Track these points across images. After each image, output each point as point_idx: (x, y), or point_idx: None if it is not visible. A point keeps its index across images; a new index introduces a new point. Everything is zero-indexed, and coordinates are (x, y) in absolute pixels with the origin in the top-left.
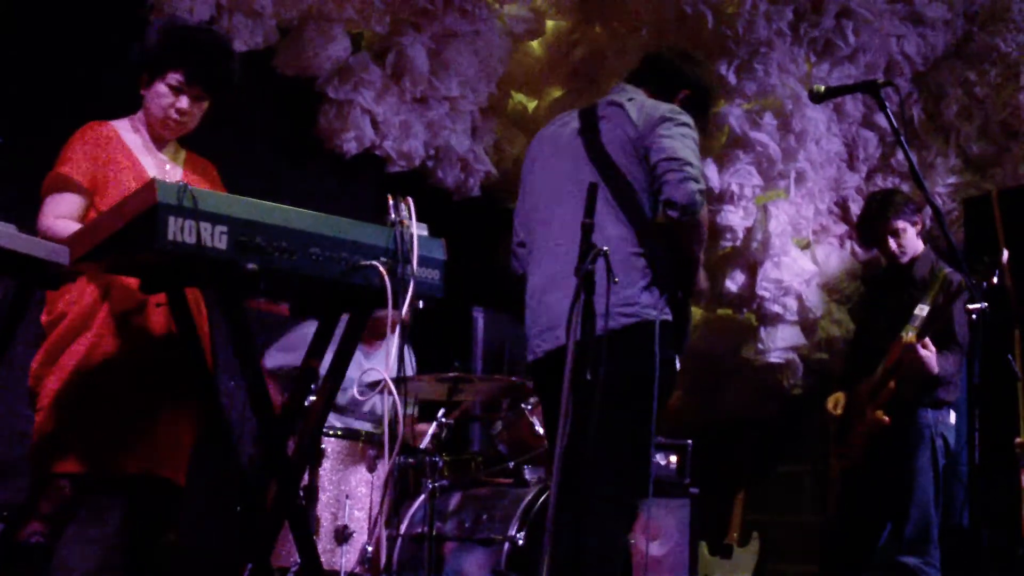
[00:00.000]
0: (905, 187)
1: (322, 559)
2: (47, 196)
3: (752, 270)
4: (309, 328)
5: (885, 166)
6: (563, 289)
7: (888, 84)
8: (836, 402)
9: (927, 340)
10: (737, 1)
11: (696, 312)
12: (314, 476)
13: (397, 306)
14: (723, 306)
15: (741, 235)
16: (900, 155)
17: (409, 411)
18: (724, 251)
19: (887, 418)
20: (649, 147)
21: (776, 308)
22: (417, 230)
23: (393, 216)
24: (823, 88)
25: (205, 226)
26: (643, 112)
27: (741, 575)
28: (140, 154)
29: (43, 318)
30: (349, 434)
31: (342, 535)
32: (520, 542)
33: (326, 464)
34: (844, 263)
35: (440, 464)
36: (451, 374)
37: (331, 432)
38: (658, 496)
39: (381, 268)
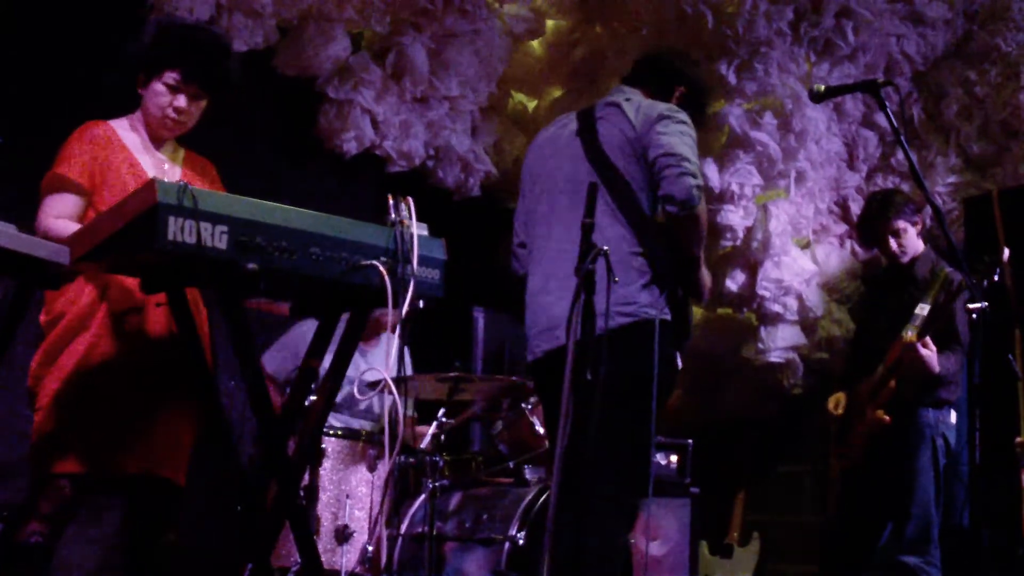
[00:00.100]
0: (905, 187)
1: (322, 559)
2: (45, 196)
3: (752, 270)
4: (301, 329)
5: (885, 166)
6: (562, 290)
7: (888, 84)
8: (837, 402)
9: (928, 339)
10: (737, 1)
11: (696, 312)
12: (314, 476)
13: (397, 306)
14: (723, 305)
15: (741, 235)
16: (900, 155)
17: (409, 412)
18: (724, 251)
19: (888, 418)
20: (647, 145)
21: (776, 308)
22: (417, 230)
23: (393, 216)
24: (823, 88)
25: (205, 226)
26: (640, 111)
27: (741, 575)
28: (138, 153)
29: (41, 318)
30: (349, 434)
31: (342, 535)
32: (520, 542)
33: (326, 464)
34: (844, 263)
35: (440, 464)
36: (451, 374)
37: (331, 432)
38: (658, 496)
39: (381, 268)
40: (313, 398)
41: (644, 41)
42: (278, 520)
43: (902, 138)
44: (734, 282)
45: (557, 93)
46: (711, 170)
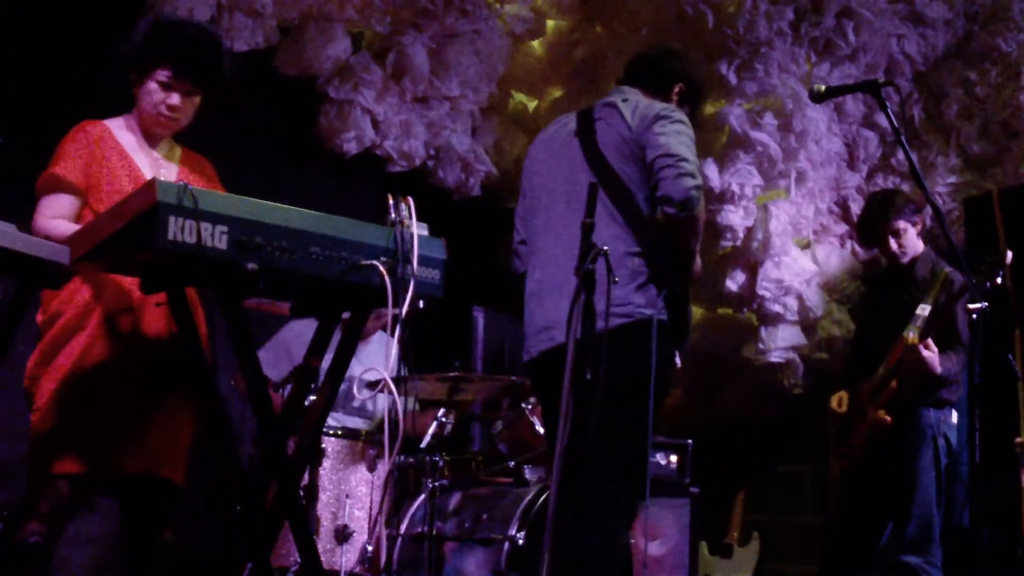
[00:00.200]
0: (905, 187)
1: (322, 559)
2: (41, 197)
3: (752, 270)
4: (293, 328)
5: (885, 166)
6: (559, 290)
7: (888, 84)
8: (840, 400)
9: (929, 341)
10: (738, 1)
11: (696, 312)
12: (314, 476)
13: (397, 305)
14: (723, 305)
15: (741, 235)
16: (900, 155)
17: (411, 407)
18: (724, 251)
19: (889, 418)
20: (645, 146)
21: (776, 308)
22: (417, 230)
23: (393, 216)
24: (824, 88)
25: (205, 226)
26: (637, 112)
27: (741, 575)
28: (134, 152)
29: (38, 317)
30: (349, 433)
31: (342, 535)
32: (520, 542)
33: (326, 463)
34: (844, 263)
35: (440, 463)
36: (451, 374)
37: (331, 432)
38: (658, 496)
39: (381, 268)
40: (313, 398)
41: (644, 41)
42: (278, 520)
43: (902, 138)
44: (734, 282)
45: (557, 93)
46: (711, 170)
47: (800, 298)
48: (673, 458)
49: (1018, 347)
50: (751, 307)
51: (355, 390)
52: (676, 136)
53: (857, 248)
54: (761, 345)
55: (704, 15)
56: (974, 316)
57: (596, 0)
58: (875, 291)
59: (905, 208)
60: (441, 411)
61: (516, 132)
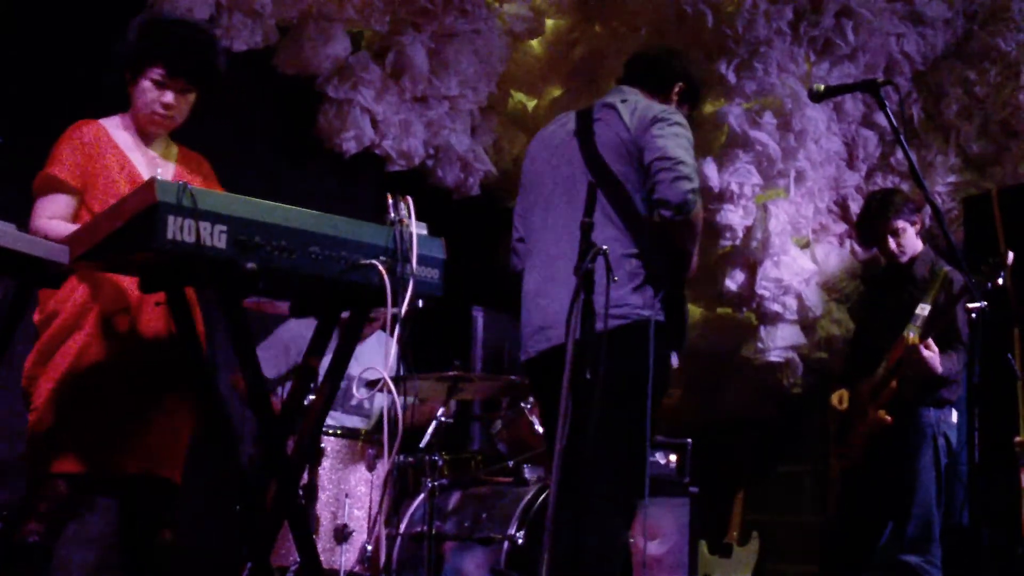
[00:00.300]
0: (905, 186)
1: (322, 558)
2: (38, 198)
3: (752, 269)
4: (289, 327)
5: (885, 165)
6: (556, 290)
7: (888, 83)
8: (840, 397)
9: (930, 341)
10: (737, 0)
11: (696, 311)
12: (314, 475)
13: (397, 305)
14: (723, 305)
15: (741, 234)
16: (900, 154)
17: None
18: (724, 250)
19: (889, 418)
20: (643, 148)
21: (776, 307)
22: (417, 229)
23: (393, 215)
24: (823, 87)
25: (204, 225)
26: (636, 113)
27: (741, 574)
28: (129, 152)
29: (35, 317)
30: (349, 433)
31: (342, 534)
32: (520, 541)
33: (326, 463)
34: (844, 262)
35: (440, 463)
36: (451, 373)
37: (331, 431)
38: (658, 495)
39: (380, 267)
40: (312, 397)
41: (643, 41)
42: (277, 519)
43: (902, 138)
44: (733, 281)
45: (556, 92)
46: (711, 169)
47: (799, 297)
48: (673, 457)
49: (1017, 346)
50: (750, 306)
51: (353, 389)
52: (674, 139)
53: (856, 247)
54: (760, 344)
55: (703, 14)
56: (973, 315)
57: (595, 0)
58: (874, 290)
59: (904, 208)
60: (441, 410)
61: (515, 131)
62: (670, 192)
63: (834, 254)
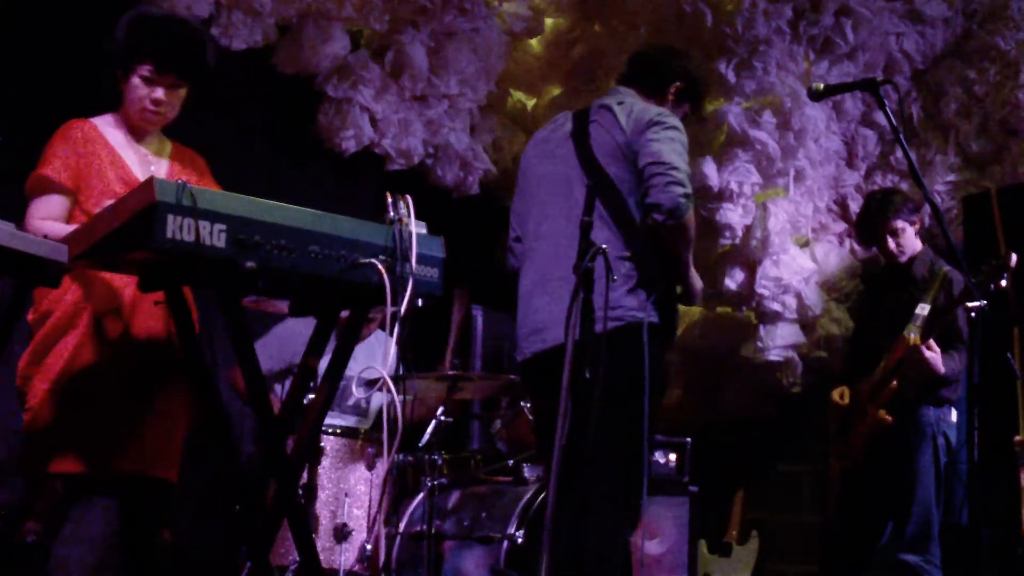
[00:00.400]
0: (904, 185)
1: (321, 557)
2: (32, 199)
3: (751, 268)
4: (285, 326)
5: (884, 164)
6: (550, 292)
7: (887, 82)
8: (842, 393)
9: (931, 342)
10: None
11: (695, 310)
12: (313, 474)
13: (396, 304)
14: (722, 304)
15: (740, 233)
16: (899, 153)
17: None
18: (723, 249)
19: (890, 418)
20: (637, 151)
21: (775, 306)
22: (416, 228)
23: (392, 214)
24: (822, 86)
25: (204, 224)
26: (632, 116)
27: (740, 574)
28: (122, 150)
29: (29, 316)
30: (348, 432)
31: (341, 533)
32: (519, 540)
33: (325, 462)
34: (843, 261)
35: (439, 462)
36: (450, 372)
37: (330, 430)
38: (657, 494)
39: (380, 266)
40: (311, 396)
41: (643, 40)
42: (277, 519)
43: (901, 136)
44: (733, 281)
45: (556, 91)
46: (710, 168)
47: (799, 296)
48: (672, 457)
49: (1017, 346)
50: (750, 306)
51: (352, 388)
52: (668, 143)
53: (856, 246)
54: (760, 344)
55: (703, 13)
56: (973, 315)
57: None
58: (874, 290)
59: (903, 207)
60: (440, 410)
61: (515, 130)
62: (663, 196)
63: (834, 253)
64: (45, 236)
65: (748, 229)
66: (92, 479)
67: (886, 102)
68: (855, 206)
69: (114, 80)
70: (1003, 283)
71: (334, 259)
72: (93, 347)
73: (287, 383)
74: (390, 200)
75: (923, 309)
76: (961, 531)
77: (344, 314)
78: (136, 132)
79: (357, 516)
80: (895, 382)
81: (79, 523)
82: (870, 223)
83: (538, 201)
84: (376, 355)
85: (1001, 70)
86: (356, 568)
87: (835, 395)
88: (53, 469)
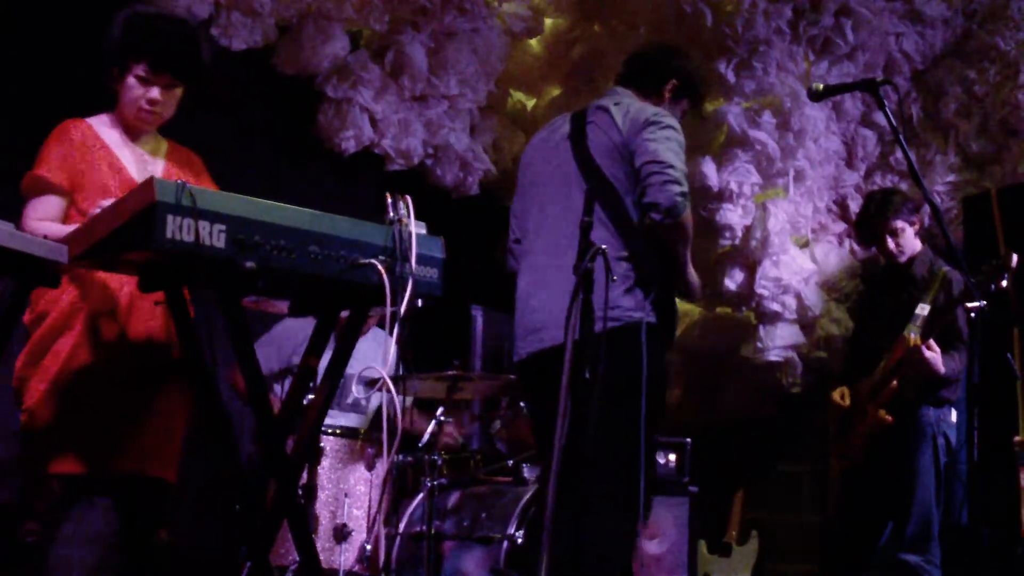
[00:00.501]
0: (904, 185)
1: (321, 557)
2: (27, 199)
3: (751, 268)
4: (284, 326)
5: (884, 164)
6: (547, 292)
7: (887, 82)
8: (843, 393)
9: (931, 342)
10: None
11: (695, 310)
12: (313, 474)
13: (396, 304)
14: (722, 304)
15: (740, 233)
16: (899, 153)
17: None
18: (723, 249)
19: (890, 417)
20: (634, 151)
21: (775, 306)
22: (416, 228)
23: (392, 214)
24: (822, 86)
25: (203, 224)
26: (628, 116)
27: (740, 574)
28: (118, 149)
29: (26, 317)
30: (348, 432)
31: (341, 533)
32: (519, 541)
33: (325, 462)
34: (843, 261)
35: (439, 462)
36: (450, 372)
37: (330, 430)
38: (657, 494)
39: (380, 266)
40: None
41: (642, 40)
42: (277, 519)
43: (901, 137)
44: (733, 281)
45: (556, 92)
46: (710, 168)
47: (799, 297)
48: (672, 457)
49: (1017, 346)
50: (750, 306)
51: (351, 387)
52: (665, 142)
53: (855, 247)
54: (760, 344)
55: (702, 13)
56: (973, 315)
57: None
58: (873, 290)
59: (903, 207)
60: (440, 409)
61: (514, 131)
62: (660, 196)
63: (833, 253)
64: (45, 236)
65: (748, 229)
66: (91, 479)
67: (886, 102)
68: (855, 206)
69: (109, 80)
70: (1003, 283)
71: (334, 259)
72: (90, 348)
73: (287, 383)
74: (390, 200)
75: (923, 309)
76: (961, 531)
77: (344, 314)
78: (132, 132)
79: (357, 516)
80: (895, 382)
81: (79, 523)
82: (870, 223)
83: (537, 202)
84: (376, 354)
85: (1001, 70)
86: (356, 568)
87: (835, 396)
88: (52, 470)
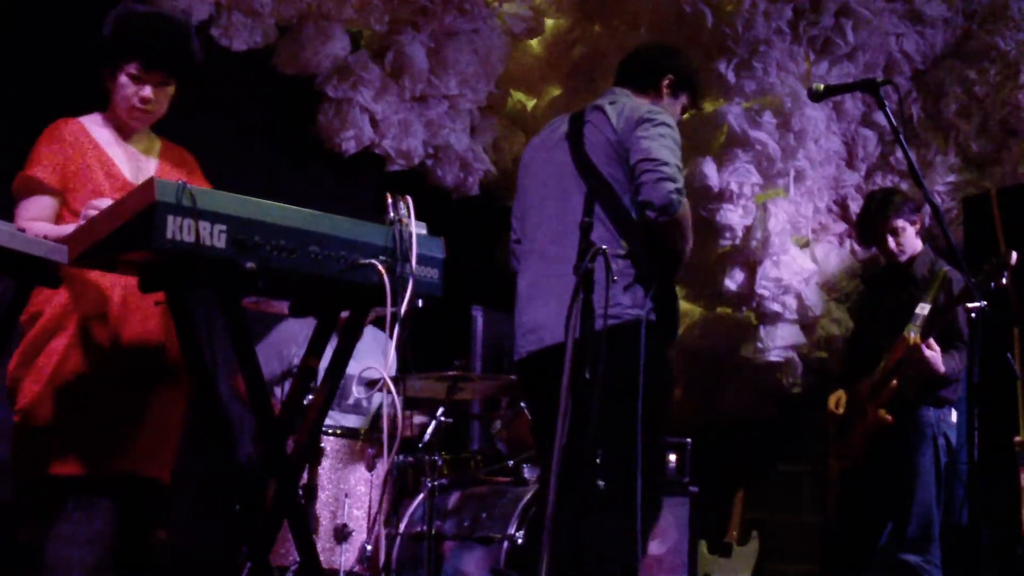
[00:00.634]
0: (904, 185)
1: (321, 558)
2: (19, 200)
3: (751, 269)
4: (285, 327)
5: (884, 164)
6: (546, 292)
7: (887, 82)
8: (838, 400)
9: (931, 341)
10: None
11: (695, 310)
12: (313, 475)
13: (396, 304)
14: (722, 304)
15: (740, 234)
16: (899, 153)
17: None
18: (723, 250)
19: (890, 417)
20: (629, 149)
21: (775, 307)
22: (416, 228)
23: (392, 215)
24: (822, 87)
25: (204, 225)
26: (623, 115)
27: (740, 574)
28: (110, 148)
29: (21, 316)
30: (348, 433)
31: (341, 534)
32: (519, 541)
33: (325, 463)
34: (843, 262)
35: (439, 463)
36: (451, 373)
37: (330, 431)
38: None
39: (380, 267)
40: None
41: (643, 40)
42: (277, 519)
43: (901, 137)
44: (733, 281)
45: (556, 92)
46: (710, 169)
47: (799, 297)
48: (672, 457)
49: (1017, 346)
50: (750, 306)
51: (352, 387)
52: (659, 139)
53: (856, 247)
54: (760, 344)
55: (703, 14)
56: (973, 315)
57: None
58: (874, 290)
59: (904, 207)
60: (440, 410)
61: (515, 131)
62: (654, 193)
63: (834, 254)
64: (45, 237)
65: (748, 230)
66: (90, 480)
67: (886, 102)
68: (855, 206)
69: (101, 78)
70: (1003, 281)
71: (334, 259)
72: (83, 348)
73: (286, 385)
74: (390, 201)
75: (923, 309)
76: (961, 531)
77: (344, 314)
78: (124, 130)
79: (357, 517)
80: (895, 381)
81: (79, 523)
82: (871, 222)
83: (536, 203)
84: (376, 354)
85: (1001, 70)
86: (356, 569)
87: (831, 402)
88: (51, 471)
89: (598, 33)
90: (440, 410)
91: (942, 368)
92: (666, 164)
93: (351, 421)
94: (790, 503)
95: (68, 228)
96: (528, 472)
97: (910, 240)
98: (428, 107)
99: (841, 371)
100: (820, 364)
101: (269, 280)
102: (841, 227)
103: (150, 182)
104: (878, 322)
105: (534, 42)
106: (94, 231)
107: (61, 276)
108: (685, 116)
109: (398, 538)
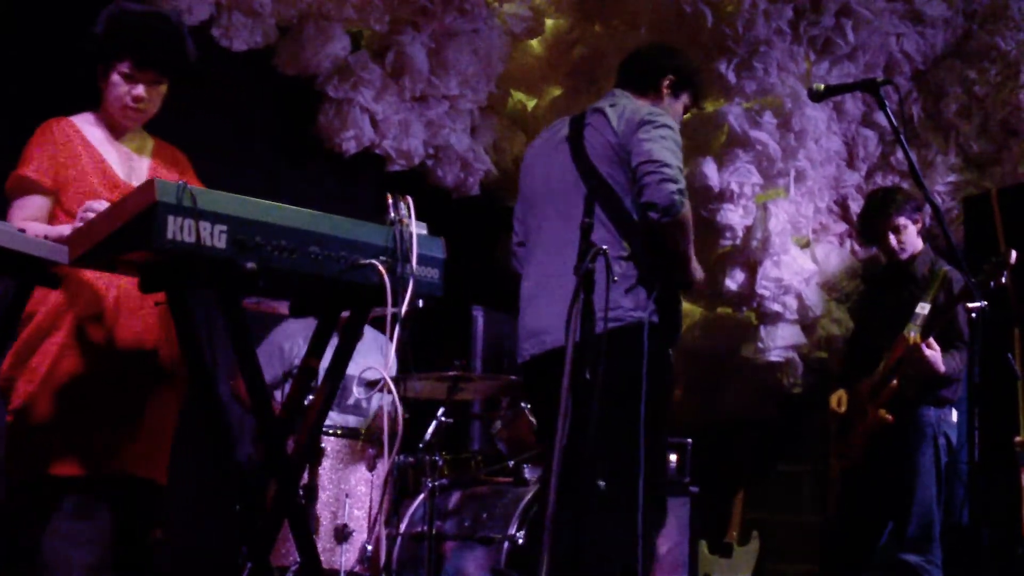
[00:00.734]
0: (905, 185)
1: (322, 558)
2: (12, 199)
3: (752, 269)
4: (285, 329)
5: (885, 165)
6: (549, 294)
7: (888, 82)
8: (839, 399)
9: (931, 340)
10: None
11: (696, 311)
12: (314, 475)
13: (396, 304)
14: (723, 305)
15: (741, 234)
16: (900, 153)
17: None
18: (724, 250)
19: (891, 417)
20: (630, 151)
21: (776, 307)
22: (416, 229)
23: (392, 215)
24: (823, 87)
25: (204, 225)
26: (623, 117)
27: (741, 574)
28: (102, 147)
29: None
30: (349, 433)
31: (342, 534)
32: (520, 541)
33: (326, 463)
34: (844, 262)
35: (440, 463)
36: (451, 373)
37: (331, 431)
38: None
39: (380, 267)
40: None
41: (643, 40)
42: (277, 519)
43: (902, 137)
44: (733, 281)
45: (556, 92)
46: (710, 169)
47: (799, 297)
48: (673, 457)
49: (1017, 346)
50: (750, 306)
51: (352, 388)
52: (660, 141)
53: (856, 247)
54: (760, 344)
55: (703, 14)
56: (973, 315)
57: None
58: (874, 289)
59: (906, 205)
60: (441, 410)
61: (515, 131)
62: (656, 195)
63: (834, 254)
64: (45, 237)
65: (749, 230)
66: (88, 480)
67: (886, 102)
68: (856, 207)
69: (93, 77)
70: (1003, 279)
71: (334, 260)
72: (78, 349)
73: (287, 387)
74: (390, 201)
75: (923, 308)
76: (961, 531)
77: (345, 315)
78: (116, 129)
79: (358, 517)
80: (895, 381)
81: (77, 524)
82: (872, 220)
83: (538, 205)
84: (376, 354)
85: (1001, 70)
86: (357, 569)
87: (832, 402)
88: (52, 471)
89: (598, 33)
90: (441, 410)
91: (942, 368)
92: (668, 166)
93: (351, 422)
94: (790, 503)
95: (66, 228)
96: (528, 472)
97: (911, 238)
98: (428, 107)
99: (841, 371)
100: (820, 364)
101: (269, 280)
102: (842, 227)
103: (150, 182)
104: (878, 321)
105: (534, 42)
106: (94, 231)
107: (61, 277)
108: (687, 116)
109: (399, 538)
